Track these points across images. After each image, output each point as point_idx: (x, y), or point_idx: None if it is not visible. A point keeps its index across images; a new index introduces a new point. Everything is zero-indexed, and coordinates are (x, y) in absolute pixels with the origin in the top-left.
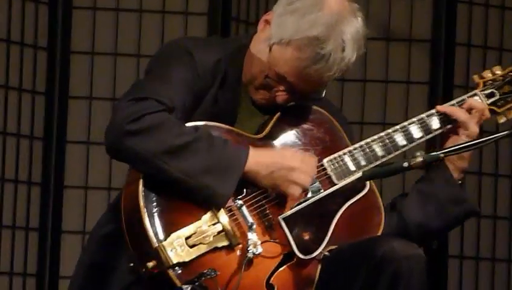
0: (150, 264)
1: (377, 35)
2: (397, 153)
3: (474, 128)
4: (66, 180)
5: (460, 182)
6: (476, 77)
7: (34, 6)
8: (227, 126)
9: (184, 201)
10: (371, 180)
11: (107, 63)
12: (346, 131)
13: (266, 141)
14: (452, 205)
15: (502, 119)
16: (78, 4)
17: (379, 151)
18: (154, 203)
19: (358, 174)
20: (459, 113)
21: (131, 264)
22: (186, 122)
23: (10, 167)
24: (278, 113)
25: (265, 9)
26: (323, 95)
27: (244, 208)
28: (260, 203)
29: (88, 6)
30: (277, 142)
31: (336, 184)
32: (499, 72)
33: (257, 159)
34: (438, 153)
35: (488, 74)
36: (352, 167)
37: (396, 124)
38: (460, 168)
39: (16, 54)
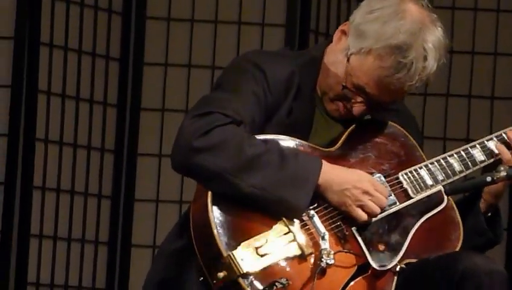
0: (221, 274)
1: (461, 48)
2: (475, 168)
3: None
4: (137, 194)
5: (489, 212)
6: None
7: (107, 16)
8: (297, 140)
9: (254, 211)
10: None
11: (180, 74)
12: (420, 144)
13: (339, 155)
14: (474, 235)
15: None
16: (152, 14)
17: (457, 166)
18: (224, 213)
19: (436, 188)
20: None
21: (201, 278)
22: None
23: (80, 180)
24: (352, 127)
25: (346, 20)
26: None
27: (316, 218)
28: (332, 215)
29: (162, 17)
30: (350, 156)
31: (412, 197)
32: None
33: (330, 173)
34: None
35: None
36: (429, 181)
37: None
38: (494, 194)
39: (88, 64)
